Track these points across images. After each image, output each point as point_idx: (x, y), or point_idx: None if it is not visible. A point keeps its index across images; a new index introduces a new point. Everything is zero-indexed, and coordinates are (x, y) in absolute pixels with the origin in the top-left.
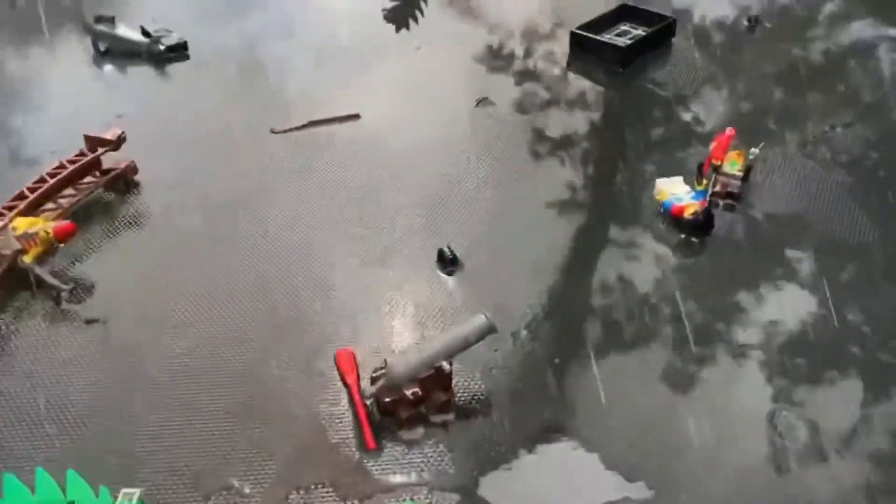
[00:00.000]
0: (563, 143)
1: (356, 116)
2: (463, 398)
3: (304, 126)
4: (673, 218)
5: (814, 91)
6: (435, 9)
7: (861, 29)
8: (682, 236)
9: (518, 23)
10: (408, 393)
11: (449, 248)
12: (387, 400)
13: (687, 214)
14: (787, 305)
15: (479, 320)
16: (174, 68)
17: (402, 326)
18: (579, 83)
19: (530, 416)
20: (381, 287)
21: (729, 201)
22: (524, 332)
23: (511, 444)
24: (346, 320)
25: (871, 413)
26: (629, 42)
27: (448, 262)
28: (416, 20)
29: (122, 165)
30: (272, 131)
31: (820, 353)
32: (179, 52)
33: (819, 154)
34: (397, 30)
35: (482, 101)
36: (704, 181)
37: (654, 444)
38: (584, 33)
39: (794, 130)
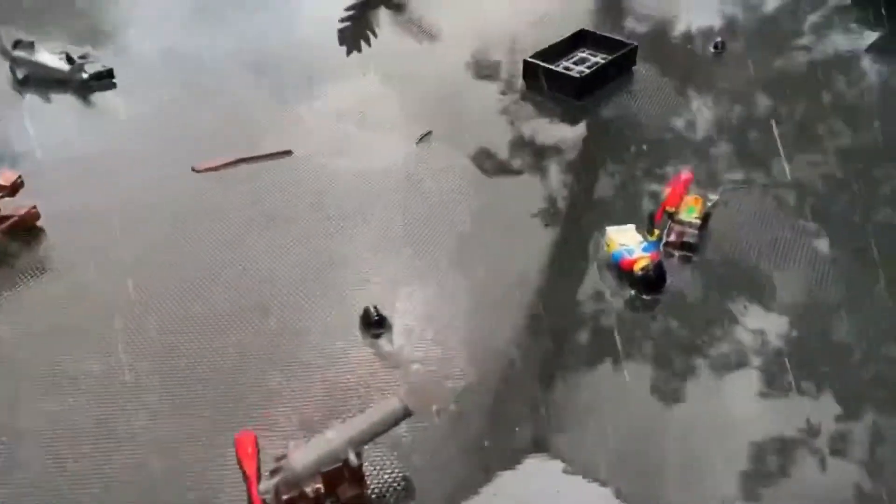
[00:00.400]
0: (514, 183)
1: (288, 153)
2: (378, 490)
3: (229, 164)
4: (623, 272)
5: (783, 123)
6: (389, 30)
7: (834, 49)
8: (632, 293)
9: (474, 49)
10: (308, 491)
11: (375, 308)
12: (285, 498)
13: (637, 269)
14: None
15: (392, 404)
16: (99, 97)
17: (319, 403)
18: (533, 115)
19: None
20: (300, 355)
21: (685, 252)
22: (452, 407)
23: None
24: (256, 395)
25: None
26: (585, 72)
27: (374, 324)
28: (367, 42)
29: (22, 212)
30: (194, 170)
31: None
32: (104, 79)
33: (786, 197)
34: (348, 53)
35: (425, 137)
36: (657, 231)
37: None
38: (537, 62)
39: (759, 169)
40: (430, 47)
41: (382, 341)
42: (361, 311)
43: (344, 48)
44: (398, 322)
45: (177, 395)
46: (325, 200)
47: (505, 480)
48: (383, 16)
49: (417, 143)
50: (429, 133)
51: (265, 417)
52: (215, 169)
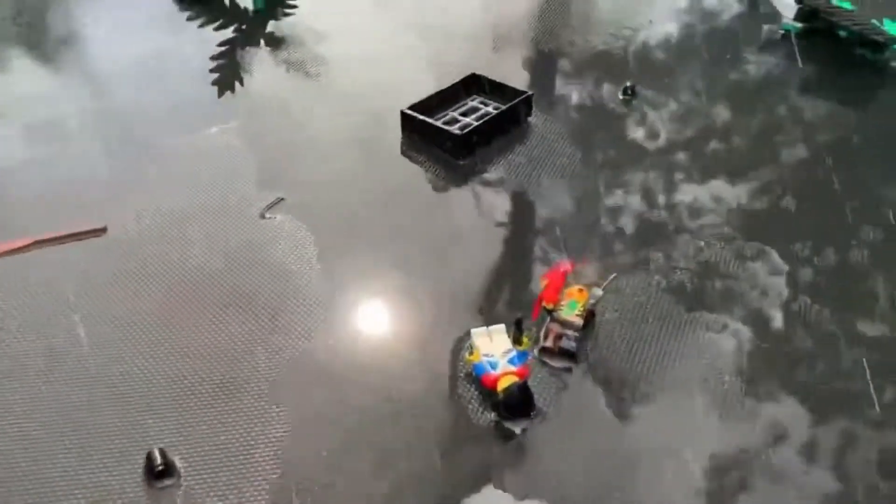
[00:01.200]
0: (371, 266)
1: (101, 231)
2: None
3: (23, 247)
4: (486, 391)
5: (691, 188)
6: (265, 70)
7: (758, 92)
8: (493, 416)
9: (353, 94)
10: None
11: (161, 451)
12: None
13: (500, 390)
14: None
15: None
16: None
17: None
18: (407, 179)
19: None
20: None
21: (563, 363)
22: None
23: None
24: None
25: None
26: (473, 124)
27: (159, 474)
28: (241, 82)
29: None
30: None
31: None
32: None
33: (688, 282)
34: (220, 94)
35: (273, 205)
36: (525, 338)
37: None
38: (415, 114)
39: (661, 244)
40: (305, 90)
41: (169, 496)
42: (144, 456)
43: (215, 89)
44: (192, 470)
45: None
46: (131, 295)
47: None
48: (262, 54)
49: (263, 215)
50: (279, 200)
51: None
52: (10, 254)
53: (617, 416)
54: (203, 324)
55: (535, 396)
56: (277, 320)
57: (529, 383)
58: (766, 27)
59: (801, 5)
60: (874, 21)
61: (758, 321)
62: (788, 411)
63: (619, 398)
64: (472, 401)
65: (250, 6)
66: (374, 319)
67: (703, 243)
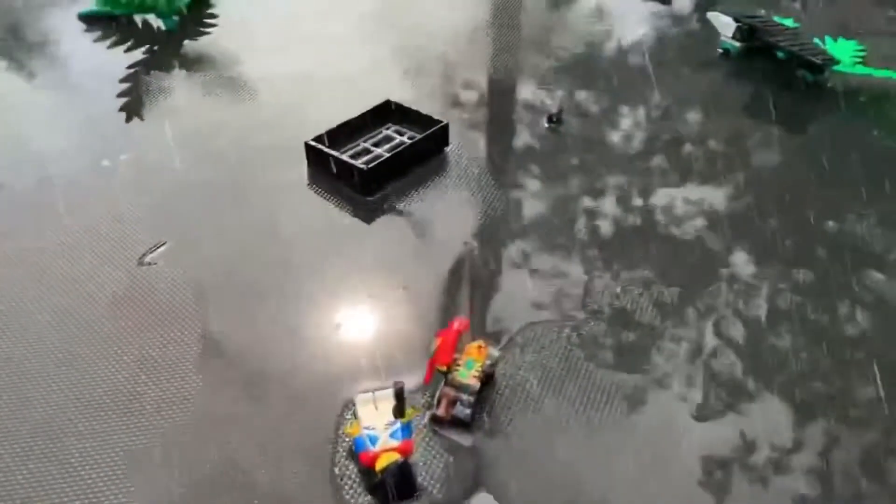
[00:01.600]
0: (261, 319)
1: None
2: None
3: None
4: (365, 468)
5: (612, 226)
6: (178, 95)
7: (696, 115)
8: (371, 501)
9: (267, 127)
10: None
11: None
12: None
13: (378, 470)
14: None
15: None
16: None
17: None
18: (310, 218)
19: None
20: None
21: (457, 433)
22: None
23: None
24: None
25: None
26: (381, 158)
27: None
28: (148, 107)
29: None
30: None
31: None
32: None
33: (602, 335)
34: (128, 120)
35: (153, 250)
36: (410, 409)
37: None
38: (320, 146)
39: (572, 297)
40: (213, 114)
41: None
42: None
43: (122, 115)
44: None
45: None
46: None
47: None
48: (173, 77)
49: (142, 261)
50: (160, 245)
51: None
52: None
53: (516, 493)
54: (63, 381)
55: (420, 476)
56: (142, 383)
57: (414, 460)
58: (705, 47)
59: (739, 24)
60: (816, 40)
61: (674, 376)
62: (705, 472)
63: (520, 473)
64: (350, 481)
65: (162, 26)
66: (256, 378)
67: (619, 289)
